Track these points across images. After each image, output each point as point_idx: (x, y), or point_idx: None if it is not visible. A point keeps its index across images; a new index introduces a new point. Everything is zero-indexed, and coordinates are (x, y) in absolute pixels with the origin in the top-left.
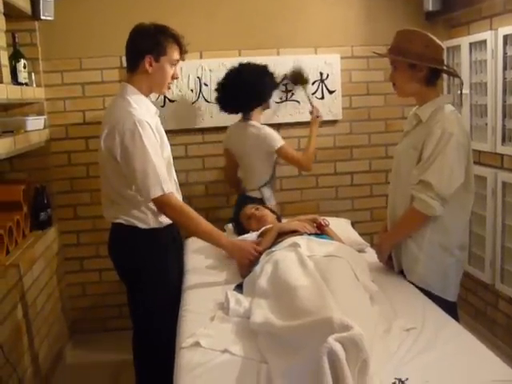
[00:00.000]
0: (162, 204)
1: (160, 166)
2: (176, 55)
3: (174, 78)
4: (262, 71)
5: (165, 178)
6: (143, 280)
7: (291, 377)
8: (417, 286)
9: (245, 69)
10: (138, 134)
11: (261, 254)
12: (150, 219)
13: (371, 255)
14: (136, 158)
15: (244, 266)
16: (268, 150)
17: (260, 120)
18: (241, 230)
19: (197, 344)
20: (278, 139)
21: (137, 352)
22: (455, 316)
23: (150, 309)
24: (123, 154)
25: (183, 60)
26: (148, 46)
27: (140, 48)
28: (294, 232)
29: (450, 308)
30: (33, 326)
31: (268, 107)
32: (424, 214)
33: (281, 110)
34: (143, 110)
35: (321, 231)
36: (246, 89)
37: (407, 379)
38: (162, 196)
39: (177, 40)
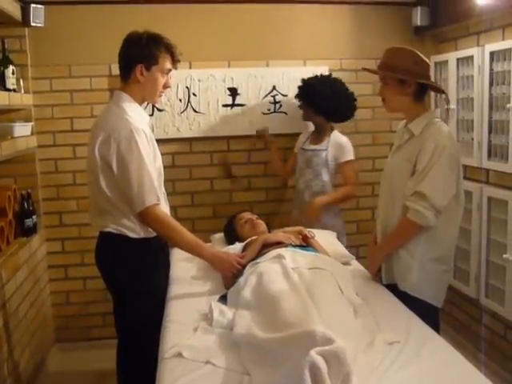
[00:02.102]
0: (150, 214)
1: (154, 175)
2: (168, 64)
3: (165, 87)
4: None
5: (157, 188)
6: (131, 289)
7: None
8: (408, 295)
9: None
10: (135, 141)
11: (244, 266)
12: (139, 229)
13: (356, 268)
14: (132, 166)
15: (227, 278)
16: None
17: None
18: (230, 233)
19: (179, 355)
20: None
21: (121, 362)
22: (438, 321)
23: (137, 318)
24: (119, 162)
25: (176, 69)
26: (139, 55)
27: (131, 57)
28: (279, 243)
29: (436, 314)
30: (14, 334)
31: None
32: (418, 224)
33: (268, 121)
34: (138, 119)
35: (306, 243)
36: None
37: None
38: (154, 206)
39: (169, 49)
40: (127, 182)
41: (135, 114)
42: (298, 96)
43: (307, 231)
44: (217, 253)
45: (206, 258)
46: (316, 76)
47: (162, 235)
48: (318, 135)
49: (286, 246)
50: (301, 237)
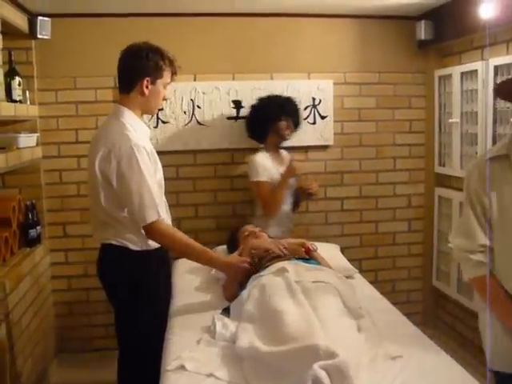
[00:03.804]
0: (154, 229)
1: (155, 191)
2: (169, 78)
3: (164, 99)
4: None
5: (159, 203)
6: (132, 301)
7: None
8: None
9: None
10: (135, 158)
11: (250, 264)
12: (140, 241)
13: (359, 281)
14: (133, 182)
15: (237, 281)
16: None
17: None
18: (232, 246)
19: (182, 367)
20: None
21: (121, 373)
22: None
23: (138, 330)
24: (119, 179)
25: (173, 81)
26: (145, 68)
27: (137, 70)
28: (267, 251)
29: None
30: (17, 344)
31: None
32: None
33: None
34: (138, 133)
35: (309, 256)
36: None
37: None
38: (157, 221)
39: (171, 63)
40: (128, 198)
41: (136, 128)
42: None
43: (310, 244)
44: (225, 260)
45: (216, 266)
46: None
47: (169, 248)
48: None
49: (289, 258)
50: (304, 249)
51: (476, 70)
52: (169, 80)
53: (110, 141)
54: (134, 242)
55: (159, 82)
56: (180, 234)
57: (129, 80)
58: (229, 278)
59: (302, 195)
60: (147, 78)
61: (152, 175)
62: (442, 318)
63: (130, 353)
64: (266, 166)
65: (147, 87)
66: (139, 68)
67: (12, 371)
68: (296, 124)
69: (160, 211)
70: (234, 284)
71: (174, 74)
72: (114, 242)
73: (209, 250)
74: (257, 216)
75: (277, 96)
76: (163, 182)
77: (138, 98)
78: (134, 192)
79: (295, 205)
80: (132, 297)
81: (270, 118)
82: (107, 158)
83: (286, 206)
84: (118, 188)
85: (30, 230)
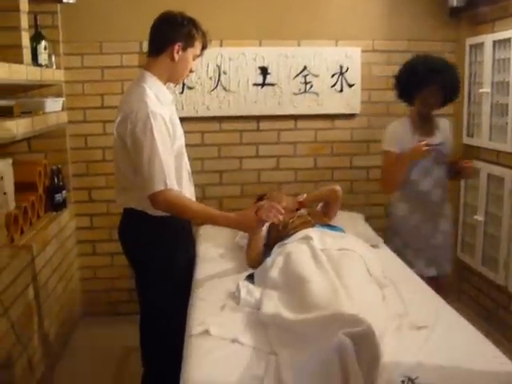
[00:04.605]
0: (158, 199)
1: (167, 160)
2: (199, 50)
3: (191, 71)
4: None
5: (169, 173)
6: (151, 265)
7: (300, 369)
8: None
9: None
10: (150, 125)
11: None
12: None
13: (384, 251)
14: (144, 150)
15: (253, 228)
16: None
17: None
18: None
19: (206, 332)
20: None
21: (143, 337)
22: None
23: (157, 295)
24: (133, 144)
25: (202, 55)
26: (179, 34)
27: (170, 35)
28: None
29: None
30: (44, 307)
31: None
32: None
33: (299, 101)
34: (160, 98)
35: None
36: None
37: (417, 377)
38: (162, 191)
39: (204, 35)
40: (139, 165)
41: (158, 94)
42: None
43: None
44: (230, 216)
45: (221, 224)
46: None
47: (175, 215)
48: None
49: (314, 225)
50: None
51: (509, 39)
52: (198, 52)
53: (129, 106)
54: (151, 208)
55: (190, 50)
56: (182, 201)
57: (160, 43)
58: (244, 230)
59: (460, 173)
60: (179, 44)
61: (165, 144)
62: (466, 291)
63: (149, 317)
64: (398, 134)
65: (178, 52)
66: (172, 32)
67: (39, 333)
68: (448, 95)
69: (169, 182)
70: (255, 240)
71: (204, 47)
72: (133, 206)
73: (213, 209)
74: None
75: (434, 58)
76: (184, 149)
77: (167, 62)
78: (145, 159)
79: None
80: (150, 261)
81: (416, 82)
82: (124, 122)
83: (426, 182)
84: (132, 152)
85: (56, 195)
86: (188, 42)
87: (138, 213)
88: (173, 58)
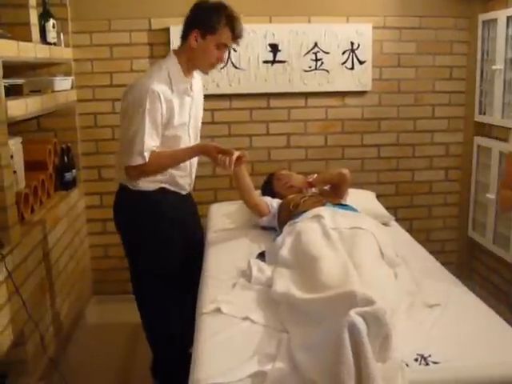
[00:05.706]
0: (135, 172)
1: (151, 137)
2: (225, 39)
3: (219, 60)
4: None
5: (149, 148)
6: (132, 240)
7: (311, 348)
8: None
9: None
10: (144, 101)
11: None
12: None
13: (395, 229)
14: (132, 122)
15: (215, 157)
16: None
17: None
18: (267, 190)
19: (218, 310)
20: None
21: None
22: None
23: (145, 273)
24: (123, 114)
25: (237, 45)
26: (198, 20)
27: (191, 20)
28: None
29: None
30: (55, 285)
31: None
32: None
33: (309, 78)
34: (174, 80)
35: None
36: None
37: (430, 356)
38: (138, 166)
39: (230, 23)
40: (123, 134)
41: (173, 75)
42: None
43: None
44: (191, 146)
45: (189, 157)
46: None
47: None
48: None
49: (325, 204)
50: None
51: None
52: (224, 41)
53: (136, 81)
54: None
55: (210, 38)
56: (155, 167)
57: (184, 29)
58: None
59: None
60: (197, 30)
61: (155, 122)
62: (477, 269)
63: (140, 293)
64: None
65: (196, 40)
66: (192, 18)
67: (51, 311)
68: None
69: (146, 155)
70: (236, 178)
71: (236, 37)
72: (126, 184)
73: (178, 150)
74: None
75: None
76: (187, 127)
77: (187, 49)
78: (130, 132)
79: None
80: (142, 238)
81: None
82: (125, 94)
83: None
84: (121, 123)
85: (66, 174)
86: (207, 29)
87: (123, 188)
88: (191, 46)
